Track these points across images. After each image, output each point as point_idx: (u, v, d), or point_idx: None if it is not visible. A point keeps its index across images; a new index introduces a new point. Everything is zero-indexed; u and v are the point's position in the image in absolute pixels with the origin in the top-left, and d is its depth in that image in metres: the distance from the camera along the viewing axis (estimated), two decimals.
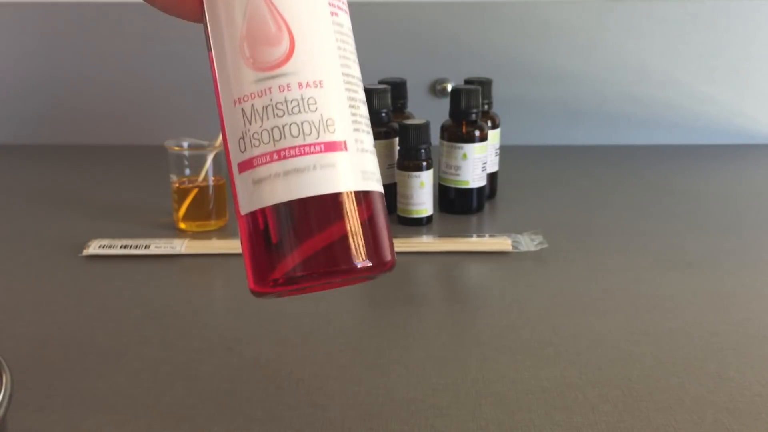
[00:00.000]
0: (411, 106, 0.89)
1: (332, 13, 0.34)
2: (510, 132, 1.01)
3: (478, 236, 0.73)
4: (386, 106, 0.80)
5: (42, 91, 1.13)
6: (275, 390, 0.47)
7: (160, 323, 0.57)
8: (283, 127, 0.32)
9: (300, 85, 0.32)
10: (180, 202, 0.76)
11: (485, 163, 0.80)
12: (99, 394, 0.47)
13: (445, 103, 0.81)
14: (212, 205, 0.76)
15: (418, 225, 0.77)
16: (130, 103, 1.13)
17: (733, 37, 1.09)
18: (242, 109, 0.33)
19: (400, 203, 0.78)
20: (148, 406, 0.46)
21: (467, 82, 0.85)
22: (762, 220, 0.80)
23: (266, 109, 0.32)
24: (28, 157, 1.07)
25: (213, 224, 0.77)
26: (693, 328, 0.56)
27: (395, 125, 0.80)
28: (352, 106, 0.34)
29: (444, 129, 0.80)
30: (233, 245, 0.71)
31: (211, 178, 0.76)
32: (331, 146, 0.32)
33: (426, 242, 0.73)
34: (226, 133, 0.34)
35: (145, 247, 0.70)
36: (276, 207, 0.32)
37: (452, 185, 0.80)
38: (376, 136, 0.78)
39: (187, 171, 0.76)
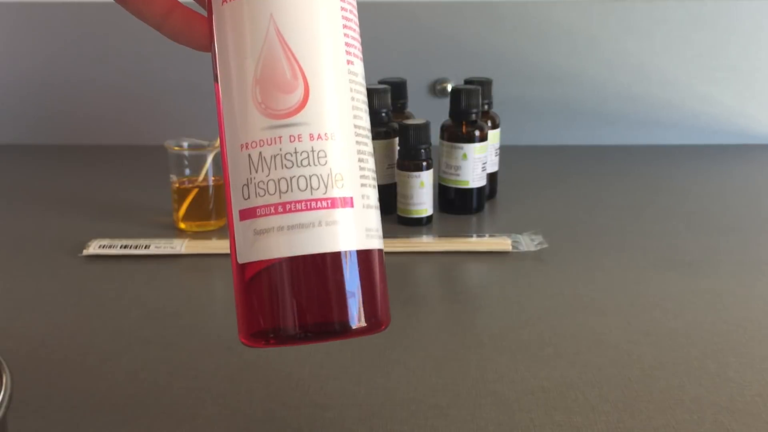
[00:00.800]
0: (411, 106, 0.89)
1: (348, 62, 0.33)
2: (510, 132, 1.01)
3: (478, 236, 0.73)
4: (386, 106, 0.80)
5: (42, 91, 1.13)
6: (275, 390, 0.47)
7: (160, 323, 0.57)
8: (291, 179, 0.31)
9: (311, 136, 0.31)
10: (180, 202, 0.76)
11: (485, 163, 0.80)
12: (99, 394, 0.47)
13: (445, 103, 0.81)
14: (212, 205, 0.76)
15: (418, 225, 0.77)
16: (130, 103, 1.13)
17: (734, 36, 1.09)
18: (249, 155, 0.32)
19: (400, 203, 0.78)
20: (148, 406, 0.46)
21: (467, 82, 0.85)
22: (762, 220, 0.80)
23: (275, 158, 0.31)
24: (28, 157, 1.07)
25: (213, 224, 0.77)
26: (693, 328, 0.56)
27: (395, 125, 0.80)
28: (361, 160, 0.33)
29: (444, 129, 0.80)
30: None
31: (211, 178, 0.76)
32: (337, 203, 0.31)
33: (426, 242, 0.73)
34: (229, 176, 0.33)
35: (145, 247, 0.70)
36: (276, 261, 0.31)
37: (452, 185, 0.80)
38: (376, 136, 0.78)
39: (187, 171, 0.76)
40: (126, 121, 1.13)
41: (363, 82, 0.34)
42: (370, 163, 0.34)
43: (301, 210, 0.31)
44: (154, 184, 0.91)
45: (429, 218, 0.78)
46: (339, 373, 0.49)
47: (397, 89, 0.86)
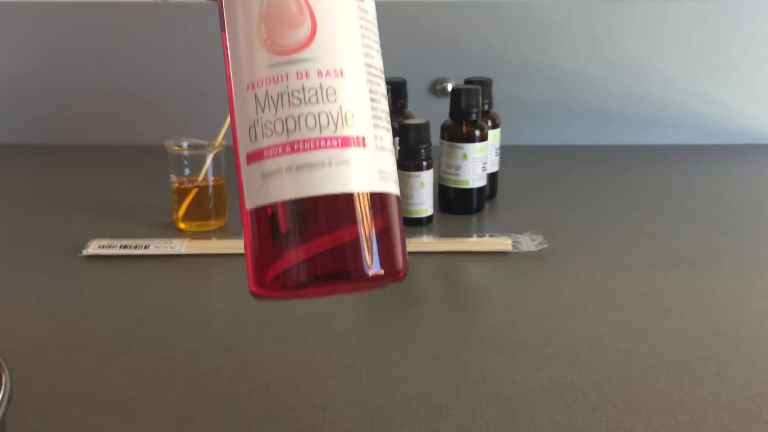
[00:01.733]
0: (411, 106, 0.89)
1: None
2: (510, 132, 1.01)
3: (478, 236, 0.73)
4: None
5: (42, 91, 1.13)
6: (275, 390, 0.47)
7: (160, 323, 0.57)
8: (299, 117, 0.30)
9: (319, 72, 0.30)
10: (180, 202, 0.76)
11: (485, 163, 0.80)
12: (99, 394, 0.47)
13: (445, 103, 0.81)
14: (212, 205, 0.76)
15: (418, 225, 0.77)
16: (130, 103, 1.13)
17: (734, 36, 1.09)
18: (255, 95, 0.30)
19: None
20: (148, 406, 0.46)
21: (467, 82, 0.85)
22: (762, 220, 0.80)
23: (282, 96, 0.30)
24: (28, 157, 1.07)
25: (213, 224, 0.77)
26: (693, 328, 0.56)
27: (395, 125, 0.80)
28: (373, 100, 0.31)
29: (444, 129, 0.80)
30: (233, 245, 0.71)
31: (211, 178, 0.76)
32: (348, 142, 0.30)
33: (426, 242, 0.72)
34: (236, 119, 0.32)
35: (145, 247, 0.70)
36: (284, 204, 0.30)
37: (452, 185, 0.80)
38: None
39: (187, 171, 0.76)
40: (126, 121, 1.13)
41: (374, 20, 0.33)
42: (384, 104, 0.32)
43: (310, 149, 0.30)
44: (154, 184, 0.91)
45: (429, 218, 0.78)
46: (339, 373, 0.49)
47: (397, 89, 0.86)
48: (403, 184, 0.77)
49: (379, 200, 0.31)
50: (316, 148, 0.30)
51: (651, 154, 1.08)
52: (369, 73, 0.32)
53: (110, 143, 1.14)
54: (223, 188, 0.77)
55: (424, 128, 0.76)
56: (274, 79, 0.30)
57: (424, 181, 0.76)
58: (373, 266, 0.30)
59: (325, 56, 0.30)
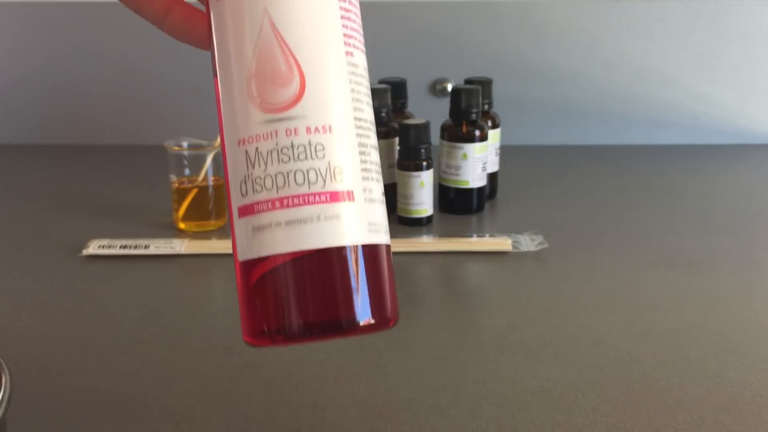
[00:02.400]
0: (411, 106, 0.89)
1: (347, 53, 0.32)
2: (510, 132, 1.01)
3: (478, 236, 0.73)
4: (386, 106, 0.80)
5: (42, 91, 1.13)
6: (275, 390, 0.47)
7: (159, 323, 0.57)
8: (288, 173, 0.30)
9: (308, 129, 0.31)
10: (180, 202, 0.76)
11: (485, 163, 0.80)
12: (99, 394, 0.47)
13: (445, 103, 0.81)
14: (212, 205, 0.76)
15: (418, 225, 0.77)
16: (130, 103, 1.13)
17: (734, 36, 1.09)
18: (246, 151, 0.31)
19: (400, 203, 0.78)
20: (148, 406, 0.46)
21: (467, 82, 0.85)
22: (762, 220, 0.80)
23: (271, 153, 0.31)
24: (29, 157, 1.07)
25: (213, 224, 0.77)
26: (693, 328, 0.56)
27: (395, 125, 0.80)
28: (362, 153, 0.32)
29: (444, 129, 0.80)
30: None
31: (211, 178, 0.76)
32: (336, 196, 0.31)
33: (426, 242, 0.72)
34: (229, 173, 0.32)
35: (145, 247, 0.70)
36: (275, 258, 0.31)
37: (452, 185, 0.80)
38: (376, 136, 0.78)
39: (187, 171, 0.76)
40: (126, 121, 1.13)
41: (365, 74, 0.33)
42: (374, 156, 0.33)
43: (300, 204, 0.30)
44: (154, 184, 0.91)
45: (429, 218, 0.78)
46: (339, 374, 0.49)
47: (397, 89, 0.86)
48: (403, 184, 0.77)
49: (369, 252, 0.32)
50: (305, 203, 0.30)
51: (651, 154, 1.08)
52: (358, 127, 0.32)
53: (110, 143, 1.14)
54: (223, 188, 0.77)
55: (424, 128, 0.76)
56: (264, 136, 0.31)
57: (424, 181, 0.76)
58: (364, 317, 0.31)
59: (313, 113, 0.31)
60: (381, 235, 0.32)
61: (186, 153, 0.75)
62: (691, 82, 1.11)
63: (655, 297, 0.61)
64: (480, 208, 0.82)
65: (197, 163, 0.75)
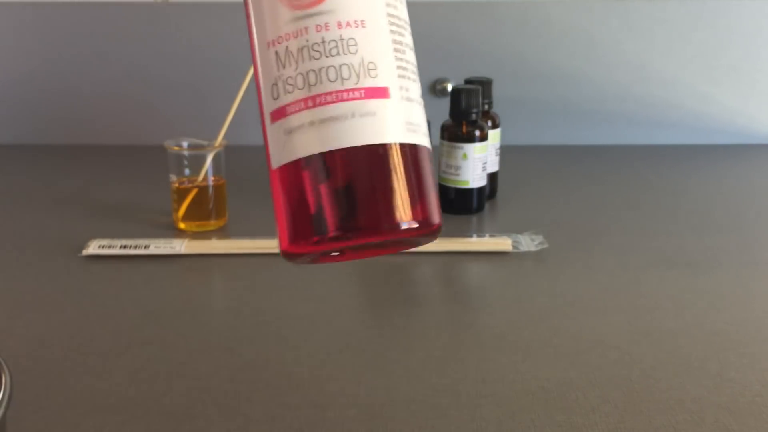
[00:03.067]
0: None
1: None
2: (510, 132, 1.01)
3: (478, 236, 0.73)
4: None
5: (42, 91, 1.13)
6: (275, 390, 0.47)
7: (160, 323, 0.57)
8: (320, 70, 0.29)
9: (339, 24, 0.30)
10: (180, 202, 0.76)
11: (485, 163, 0.80)
12: (99, 394, 0.47)
13: (445, 103, 0.81)
14: (212, 205, 0.76)
15: None
16: (130, 103, 1.13)
17: (734, 36, 1.09)
18: (276, 52, 0.30)
19: None
20: (148, 406, 0.46)
21: (467, 81, 0.85)
22: (762, 220, 0.80)
23: (301, 51, 0.29)
24: (28, 157, 1.07)
25: (213, 224, 0.77)
26: (693, 328, 0.56)
27: None
28: (397, 50, 0.31)
29: (444, 129, 0.80)
30: (233, 245, 0.71)
31: (211, 178, 0.76)
32: (372, 92, 0.29)
33: None
34: (259, 81, 0.31)
35: (145, 247, 0.70)
36: (310, 159, 0.29)
37: (452, 185, 0.80)
38: None
39: (187, 171, 0.76)
40: (126, 121, 1.13)
41: None
42: (410, 55, 0.32)
43: (333, 102, 0.29)
44: (154, 184, 0.91)
45: None
46: (339, 373, 0.49)
47: None
48: None
49: (408, 152, 0.30)
50: (338, 100, 0.29)
51: (651, 154, 1.08)
52: (392, 24, 0.31)
53: (110, 143, 1.14)
54: (223, 188, 0.77)
55: None
56: (294, 34, 0.30)
57: None
58: (406, 219, 0.29)
59: (344, 7, 0.30)
60: (420, 136, 0.31)
61: (186, 153, 0.75)
62: (692, 82, 1.11)
63: (655, 297, 0.61)
64: (480, 208, 0.82)
65: (197, 163, 0.75)
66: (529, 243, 0.71)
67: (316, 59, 0.29)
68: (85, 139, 1.14)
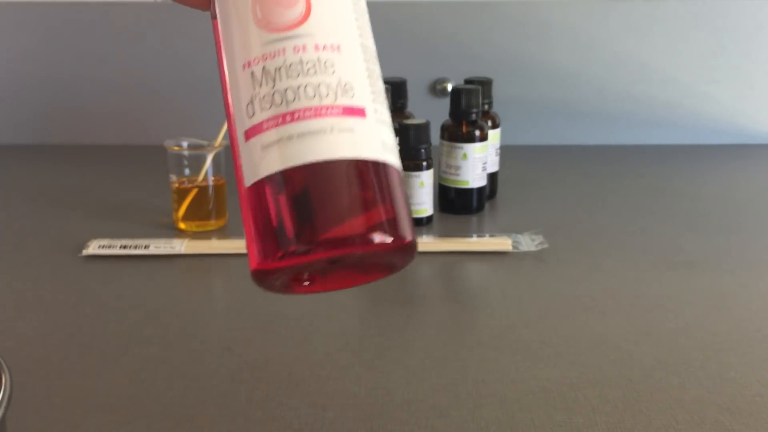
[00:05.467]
0: (411, 106, 0.89)
1: None
2: (510, 132, 1.01)
3: (478, 236, 0.73)
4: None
5: (42, 91, 1.13)
6: (275, 390, 0.47)
7: (160, 323, 0.57)
8: (298, 87, 0.30)
9: (317, 47, 0.30)
10: (180, 202, 0.76)
11: (485, 163, 0.80)
12: (99, 394, 0.47)
13: (445, 103, 0.81)
14: (212, 205, 0.76)
15: (418, 225, 0.77)
16: (130, 103, 1.13)
17: (734, 36, 1.09)
18: (252, 72, 0.30)
19: None
20: (148, 406, 0.46)
21: (467, 82, 0.85)
22: (762, 220, 0.80)
23: (279, 70, 0.30)
24: (28, 157, 1.07)
25: (213, 224, 0.77)
26: (693, 328, 0.56)
27: (395, 125, 0.80)
28: (370, 76, 0.31)
29: (444, 129, 0.80)
30: (233, 245, 0.71)
31: (211, 178, 0.76)
32: (349, 111, 0.30)
33: (426, 242, 0.72)
34: (231, 104, 0.31)
35: (145, 247, 0.70)
36: (287, 173, 0.29)
37: (452, 185, 0.80)
38: None
39: (187, 171, 0.76)
40: (126, 121, 1.13)
41: (365, 9, 0.33)
42: (380, 84, 0.32)
43: (311, 117, 0.29)
44: (154, 184, 0.91)
45: (429, 218, 0.78)
46: (339, 373, 0.49)
47: (397, 89, 0.86)
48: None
49: (384, 168, 0.30)
50: (317, 115, 0.29)
51: (651, 154, 1.08)
52: (365, 52, 0.32)
53: (110, 143, 1.14)
54: (223, 188, 0.77)
55: (424, 128, 0.76)
56: (270, 54, 0.30)
57: (424, 181, 0.76)
58: (379, 233, 0.29)
59: (321, 32, 0.30)
60: (393, 157, 0.31)
61: (186, 153, 0.75)
62: (691, 82, 1.11)
63: (655, 297, 0.61)
64: (480, 208, 0.82)
65: (197, 163, 0.75)
66: (529, 243, 0.71)
67: (294, 78, 0.30)
68: (85, 139, 1.14)
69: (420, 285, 0.65)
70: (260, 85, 0.30)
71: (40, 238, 0.75)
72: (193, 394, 0.47)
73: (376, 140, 0.30)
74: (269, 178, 0.30)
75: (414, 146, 0.76)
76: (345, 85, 0.30)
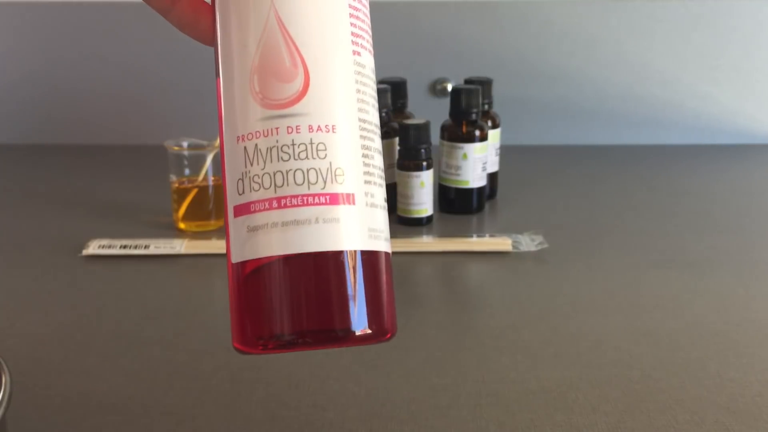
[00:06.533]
0: (411, 106, 0.89)
1: (354, 52, 0.31)
2: (510, 132, 1.01)
3: (478, 236, 0.73)
4: (386, 106, 0.80)
5: (42, 91, 1.13)
6: (275, 390, 0.47)
7: (160, 323, 0.57)
8: (287, 172, 0.29)
9: (310, 128, 0.29)
10: (180, 202, 0.76)
11: (485, 163, 0.80)
12: (99, 394, 0.47)
13: (445, 103, 0.81)
14: (212, 205, 0.76)
15: (418, 225, 0.77)
16: (130, 103, 1.13)
17: (735, 36, 1.09)
18: (245, 148, 0.30)
19: (400, 203, 0.78)
20: (148, 406, 0.46)
21: (467, 82, 0.85)
22: (762, 220, 0.80)
23: (270, 150, 0.29)
24: (28, 157, 1.07)
25: (213, 224, 0.77)
26: (693, 328, 0.56)
27: (395, 125, 0.80)
28: (365, 156, 0.31)
29: (444, 129, 0.80)
30: None
31: (211, 178, 0.76)
32: (336, 199, 0.29)
33: (426, 242, 0.72)
34: (226, 171, 0.31)
35: (145, 247, 0.70)
36: (270, 260, 0.29)
37: (452, 185, 0.80)
38: None
39: (187, 171, 0.76)
40: (126, 121, 1.13)
41: (372, 75, 0.32)
42: (377, 160, 0.32)
43: (298, 205, 0.29)
44: (154, 184, 0.91)
45: (429, 218, 0.78)
46: (339, 373, 0.49)
47: (397, 89, 0.86)
48: (403, 184, 0.77)
49: (368, 259, 0.30)
50: (303, 204, 0.29)
51: (651, 154, 1.08)
52: (363, 129, 0.31)
53: (110, 143, 1.14)
54: (223, 188, 0.77)
55: (424, 128, 0.76)
56: (264, 132, 0.30)
57: (424, 181, 0.76)
58: (359, 326, 0.30)
59: (317, 111, 0.30)
60: (381, 242, 0.31)
61: (186, 153, 0.75)
62: (692, 81, 1.11)
63: (655, 297, 0.61)
64: (480, 208, 0.82)
65: (197, 163, 0.75)
66: (529, 243, 0.71)
67: (285, 161, 0.29)
68: (85, 139, 1.14)
69: (420, 285, 0.65)
70: (251, 164, 0.30)
71: (40, 238, 0.75)
72: (193, 394, 0.47)
73: (363, 228, 0.30)
74: (254, 262, 0.30)
75: (414, 146, 0.76)
76: (336, 170, 0.30)
